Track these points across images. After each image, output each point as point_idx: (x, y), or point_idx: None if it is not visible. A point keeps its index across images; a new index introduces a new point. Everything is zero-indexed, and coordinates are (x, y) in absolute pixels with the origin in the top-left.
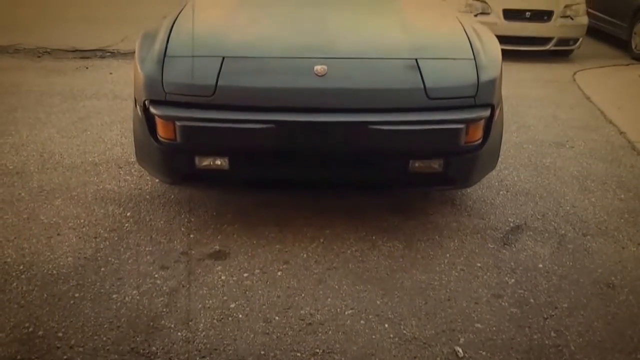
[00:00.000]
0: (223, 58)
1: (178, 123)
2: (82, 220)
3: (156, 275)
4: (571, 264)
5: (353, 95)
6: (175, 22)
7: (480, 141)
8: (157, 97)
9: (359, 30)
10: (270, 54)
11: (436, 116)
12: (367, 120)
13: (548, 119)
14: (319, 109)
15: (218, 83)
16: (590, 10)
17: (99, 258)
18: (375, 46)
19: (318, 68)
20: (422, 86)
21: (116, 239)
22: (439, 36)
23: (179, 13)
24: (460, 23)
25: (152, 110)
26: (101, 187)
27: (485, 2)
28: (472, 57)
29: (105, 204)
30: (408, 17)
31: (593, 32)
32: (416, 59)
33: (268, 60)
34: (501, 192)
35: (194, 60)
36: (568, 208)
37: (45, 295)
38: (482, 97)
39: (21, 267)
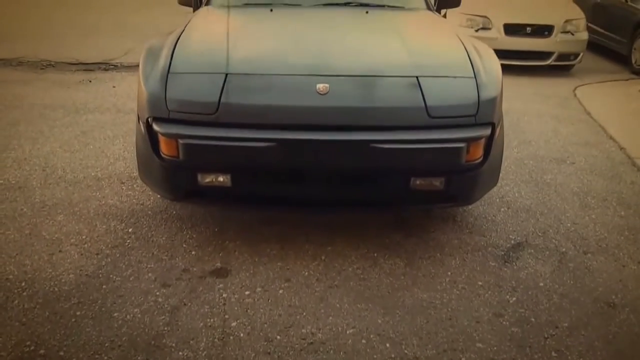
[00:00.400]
0: (226, 75)
1: (181, 141)
2: (84, 237)
3: (157, 293)
4: (572, 282)
5: (355, 114)
6: (179, 39)
7: (481, 159)
8: (160, 114)
9: (361, 48)
10: (273, 72)
11: (437, 135)
12: (369, 138)
13: (549, 135)
14: (321, 127)
15: (221, 100)
16: (590, 25)
17: (100, 275)
18: (377, 64)
19: (320, 86)
20: (424, 104)
21: (118, 255)
22: (440, 54)
23: (183, 30)
24: (461, 41)
25: (155, 127)
26: (103, 202)
27: (486, 17)
28: (473, 75)
29: (107, 220)
30: (409, 34)
31: (593, 46)
32: (417, 77)
33: (271, 78)
34: (502, 209)
35: (197, 77)
36: (569, 225)
37: (47, 313)
38: (483, 116)
39: (23, 284)
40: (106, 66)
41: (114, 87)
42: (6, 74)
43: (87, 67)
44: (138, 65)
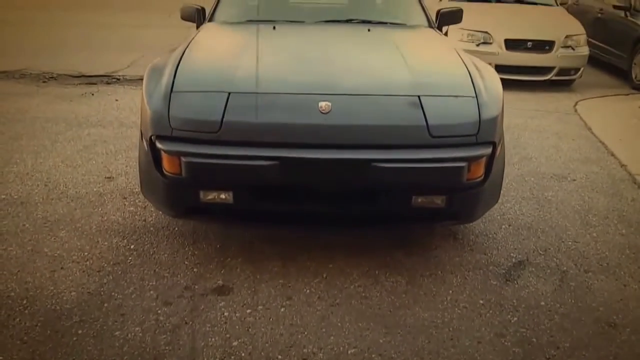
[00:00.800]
0: (229, 94)
1: (184, 159)
2: (86, 253)
3: (159, 312)
4: (573, 301)
5: (356, 133)
6: (182, 57)
7: (482, 178)
8: (163, 132)
9: (363, 66)
10: (276, 90)
11: (438, 154)
12: (370, 157)
13: (550, 151)
14: (322, 146)
15: (224, 119)
16: (590, 39)
17: (102, 293)
18: (378, 83)
19: (322, 105)
20: (425, 124)
21: (120, 272)
22: (441, 73)
23: (186, 47)
24: (462, 59)
25: (159, 145)
26: (105, 218)
27: (487, 33)
28: (474, 95)
29: (109, 236)
30: (411, 53)
31: (594, 61)
32: (419, 96)
33: (273, 97)
34: (503, 226)
35: (200, 95)
36: (570, 243)
37: (49, 331)
38: (484, 135)
39: (24, 302)
40: (108, 79)
41: (116, 100)
42: (8, 87)
43: (90, 80)
44: (140, 78)
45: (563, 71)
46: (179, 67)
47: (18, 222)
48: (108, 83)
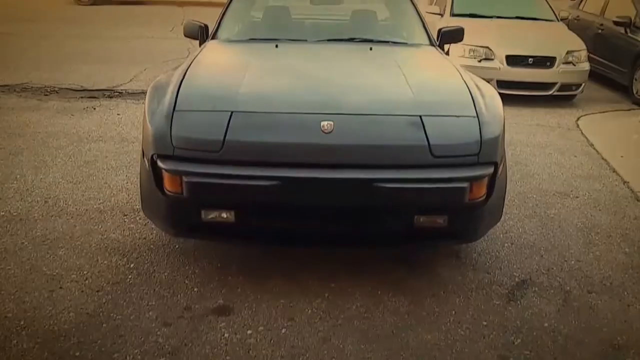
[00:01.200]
0: (231, 113)
1: (185, 178)
2: (85, 272)
3: (158, 333)
4: (576, 322)
5: (358, 152)
6: (185, 76)
7: (484, 197)
8: (165, 151)
9: (365, 86)
10: (278, 110)
11: (440, 174)
12: (372, 177)
13: (552, 167)
14: (324, 165)
15: (226, 138)
16: (591, 55)
17: (101, 313)
18: (380, 102)
19: (325, 124)
20: (427, 144)
21: (119, 292)
22: (443, 93)
23: (188, 66)
24: (463, 79)
25: (160, 164)
26: (105, 236)
27: (489, 48)
28: (475, 115)
29: (109, 254)
30: (412, 72)
31: (594, 76)
32: (420, 116)
33: (275, 116)
34: (506, 245)
35: (203, 115)
36: (573, 262)
37: (46, 353)
38: (485, 155)
39: (22, 323)
40: (111, 93)
41: (118, 114)
42: (10, 100)
43: (92, 94)
44: (143, 92)
45: (565, 87)
46: (182, 86)
47: (17, 239)
48: (110, 97)
